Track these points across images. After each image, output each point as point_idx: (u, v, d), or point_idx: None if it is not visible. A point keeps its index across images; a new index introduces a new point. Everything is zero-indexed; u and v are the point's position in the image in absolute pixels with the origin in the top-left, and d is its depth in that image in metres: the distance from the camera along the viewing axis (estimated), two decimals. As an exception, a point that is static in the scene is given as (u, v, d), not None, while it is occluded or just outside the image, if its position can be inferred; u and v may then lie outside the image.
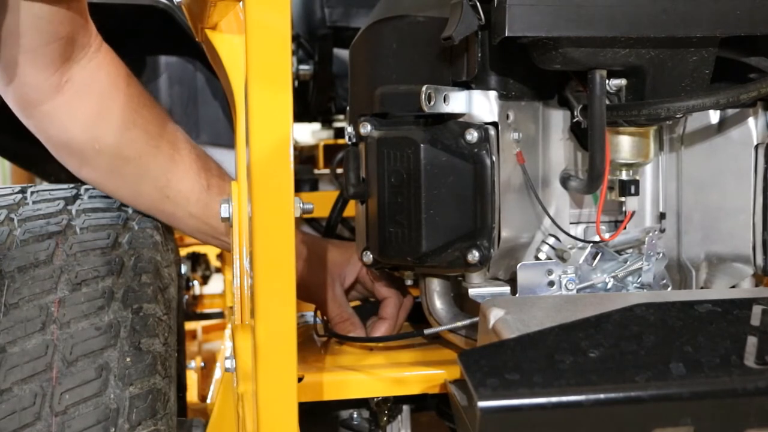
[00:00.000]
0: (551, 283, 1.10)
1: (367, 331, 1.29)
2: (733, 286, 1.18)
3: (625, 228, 1.16)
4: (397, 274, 1.22)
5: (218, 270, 3.17)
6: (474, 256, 1.06)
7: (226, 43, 1.27)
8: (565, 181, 1.14)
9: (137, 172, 1.22)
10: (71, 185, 1.29)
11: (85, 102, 1.17)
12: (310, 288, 1.30)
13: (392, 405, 1.31)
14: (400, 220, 1.09)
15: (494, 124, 1.06)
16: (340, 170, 1.96)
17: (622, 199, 1.13)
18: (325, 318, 1.34)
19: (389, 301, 1.29)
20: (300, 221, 1.25)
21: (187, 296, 2.90)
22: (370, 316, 1.31)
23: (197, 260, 3.16)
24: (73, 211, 1.21)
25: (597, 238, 1.13)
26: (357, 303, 1.37)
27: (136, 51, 1.73)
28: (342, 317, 1.29)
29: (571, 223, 1.16)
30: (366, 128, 1.12)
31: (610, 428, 0.85)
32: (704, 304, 0.96)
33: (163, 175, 1.23)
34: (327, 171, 2.24)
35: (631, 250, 1.17)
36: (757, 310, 0.95)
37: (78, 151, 1.20)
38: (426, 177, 1.06)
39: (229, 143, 1.63)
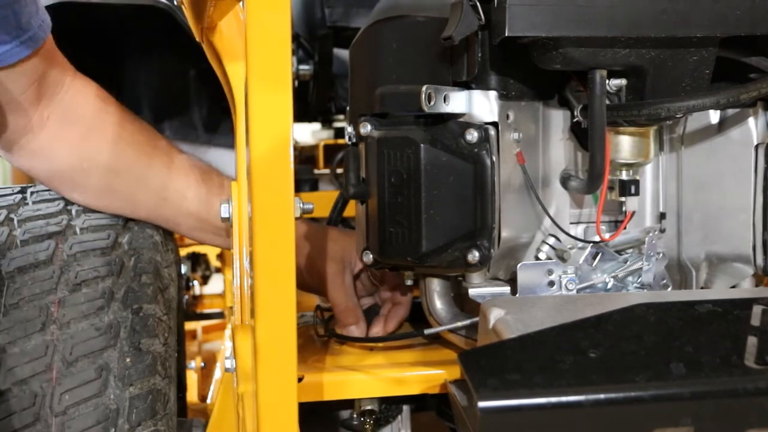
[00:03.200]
0: (551, 283, 1.10)
1: (382, 319, 1.29)
2: (733, 286, 1.18)
3: (625, 228, 1.16)
4: (397, 274, 1.22)
5: (218, 270, 3.17)
6: (474, 256, 1.06)
7: (226, 43, 1.27)
8: (565, 181, 1.14)
9: (131, 183, 1.22)
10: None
11: (69, 130, 1.20)
12: (320, 273, 1.30)
13: (384, 408, 1.31)
14: (400, 220, 1.09)
15: (494, 124, 1.06)
16: (340, 170, 1.96)
17: (622, 199, 1.13)
18: (326, 314, 1.34)
19: (401, 289, 1.30)
20: (303, 219, 1.25)
21: (187, 296, 2.90)
22: (373, 318, 1.32)
23: (197, 260, 3.16)
24: (73, 211, 1.21)
25: (597, 238, 1.13)
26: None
27: (136, 51, 1.73)
28: (347, 306, 1.29)
29: (571, 223, 1.16)
30: (366, 128, 1.12)
31: (611, 428, 0.85)
32: (704, 304, 0.96)
33: (158, 177, 1.24)
34: (327, 171, 2.24)
35: (631, 250, 1.17)
36: (757, 310, 0.95)
37: (68, 176, 1.21)
38: (426, 177, 1.06)
39: (229, 143, 1.63)
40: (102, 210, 1.23)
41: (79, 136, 1.20)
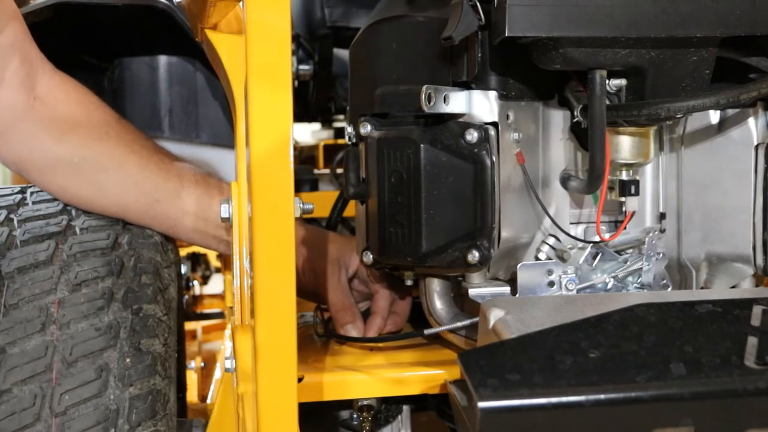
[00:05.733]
0: (551, 284, 1.10)
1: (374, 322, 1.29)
2: (733, 286, 1.18)
3: (625, 228, 1.16)
4: (397, 274, 1.22)
5: (218, 270, 3.17)
6: (474, 256, 1.06)
7: (226, 43, 1.27)
8: (565, 181, 1.14)
9: (121, 182, 1.20)
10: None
11: (58, 118, 1.19)
12: (316, 273, 1.30)
13: (384, 408, 1.31)
14: (400, 220, 1.09)
15: (494, 124, 1.06)
16: (340, 170, 1.96)
17: (622, 199, 1.13)
18: (326, 314, 1.34)
19: (380, 295, 1.30)
20: (300, 221, 1.25)
21: (187, 296, 2.90)
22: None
23: (197, 260, 3.16)
24: (73, 212, 1.21)
25: (597, 238, 1.13)
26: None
27: (136, 51, 1.73)
28: (344, 305, 1.29)
29: (571, 223, 1.16)
30: (366, 128, 1.12)
31: (611, 428, 0.85)
32: (704, 304, 0.96)
33: (150, 178, 1.22)
34: (327, 171, 2.24)
35: (631, 250, 1.17)
36: (757, 310, 0.95)
37: (60, 170, 1.19)
38: (426, 177, 1.06)
39: (229, 143, 1.63)
40: (94, 211, 1.22)
41: (67, 126, 1.19)
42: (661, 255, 1.15)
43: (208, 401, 2.12)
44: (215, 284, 3.30)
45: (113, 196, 1.21)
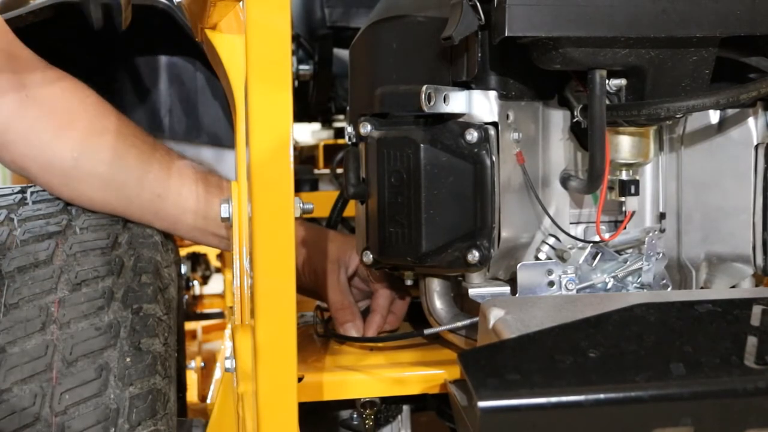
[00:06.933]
0: (551, 283, 1.10)
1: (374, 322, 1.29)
2: (733, 286, 1.18)
3: (625, 228, 1.16)
4: (397, 274, 1.22)
5: (218, 270, 3.17)
6: (474, 256, 1.06)
7: (226, 43, 1.27)
8: (565, 181, 1.14)
9: (122, 177, 1.20)
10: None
11: (54, 114, 1.18)
12: (316, 272, 1.30)
13: (384, 408, 1.31)
14: (400, 220, 1.09)
15: (494, 124, 1.06)
16: (340, 170, 1.97)
17: (622, 199, 1.13)
18: (325, 314, 1.34)
19: (380, 293, 1.30)
20: (300, 219, 1.25)
21: (187, 296, 2.90)
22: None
23: (197, 260, 3.16)
24: (73, 211, 1.21)
25: (597, 238, 1.13)
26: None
27: (136, 51, 1.73)
28: (343, 304, 1.29)
29: (571, 223, 1.16)
30: (366, 128, 1.12)
31: (610, 428, 0.85)
32: (704, 304, 0.96)
33: (152, 173, 1.21)
34: (327, 171, 2.24)
35: (631, 250, 1.17)
36: (757, 310, 0.95)
37: (59, 166, 1.19)
38: (426, 177, 1.06)
39: (229, 143, 1.63)
40: (96, 208, 1.21)
41: (62, 124, 1.18)
42: (661, 255, 1.15)
43: (208, 401, 2.12)
44: (215, 284, 3.30)
45: (114, 191, 1.20)
